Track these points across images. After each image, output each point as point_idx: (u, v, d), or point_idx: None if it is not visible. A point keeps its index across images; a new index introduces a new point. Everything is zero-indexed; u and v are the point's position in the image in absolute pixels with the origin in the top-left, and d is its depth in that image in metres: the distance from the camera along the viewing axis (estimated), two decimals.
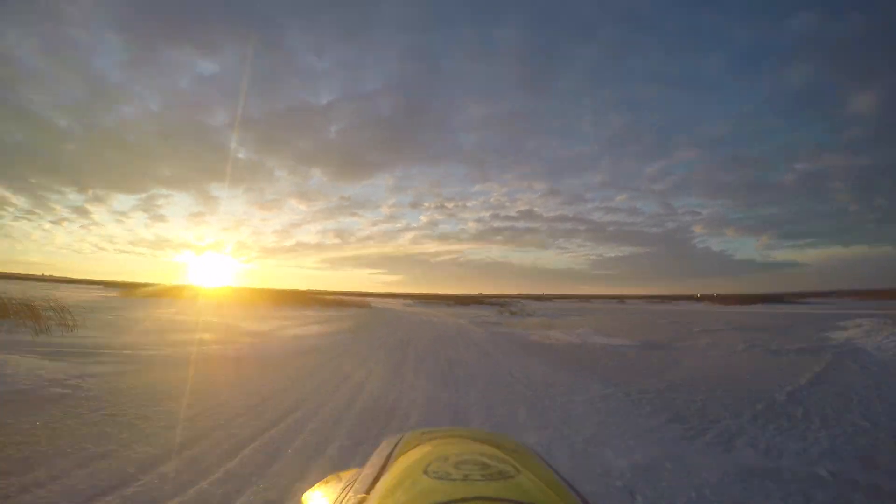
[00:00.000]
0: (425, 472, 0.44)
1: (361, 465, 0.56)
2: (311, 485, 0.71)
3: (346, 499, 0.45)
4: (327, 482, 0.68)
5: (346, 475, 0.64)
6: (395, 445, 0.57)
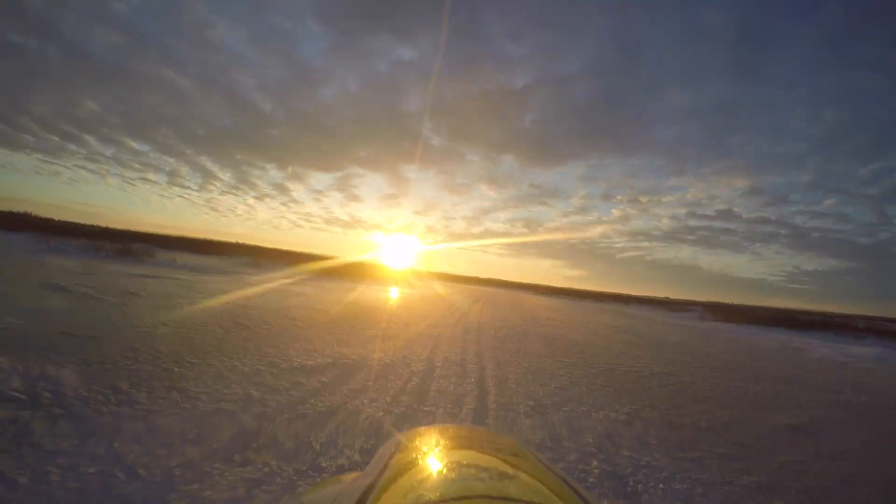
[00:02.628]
0: (425, 472, 0.48)
1: (363, 465, 0.62)
2: (311, 485, 0.71)
3: (348, 499, 0.46)
4: (328, 483, 0.67)
5: (348, 477, 0.65)
6: (397, 445, 0.59)
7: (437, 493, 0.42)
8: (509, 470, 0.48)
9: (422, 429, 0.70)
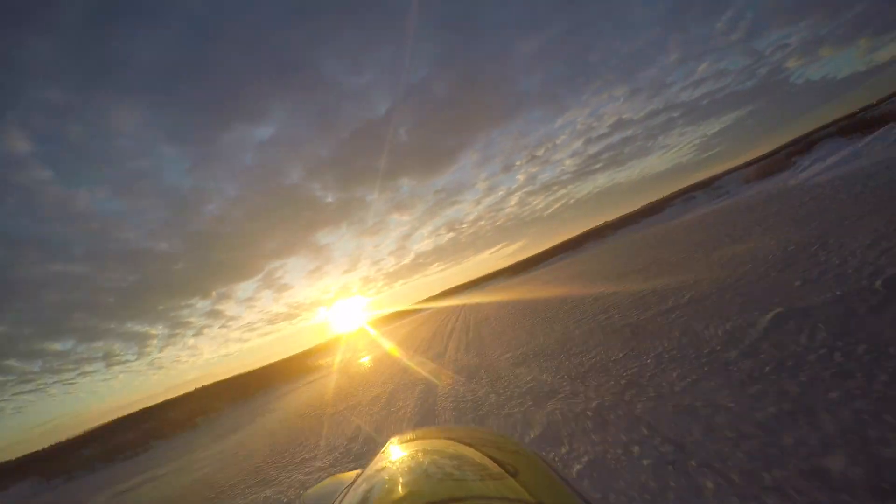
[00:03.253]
0: (426, 472, 0.46)
1: (363, 466, 0.57)
2: (312, 485, 0.71)
3: (348, 499, 0.46)
4: (328, 483, 0.69)
5: (348, 476, 0.65)
6: (397, 444, 0.58)
7: (437, 493, 0.40)
8: (509, 470, 0.46)
9: (423, 429, 0.70)
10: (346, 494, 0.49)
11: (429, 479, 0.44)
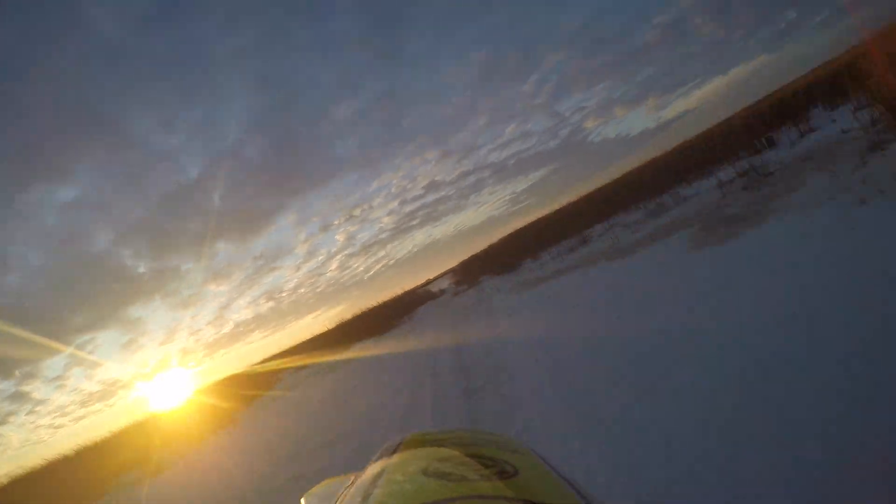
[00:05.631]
0: (425, 472, 0.45)
1: (362, 466, 0.55)
2: (310, 487, 0.68)
3: (347, 501, 0.44)
4: (327, 485, 0.67)
5: (346, 478, 0.63)
6: (396, 446, 0.57)
7: (437, 493, 0.39)
8: (509, 470, 0.45)
9: (420, 430, 0.66)
10: (345, 496, 0.47)
11: (428, 480, 0.43)
